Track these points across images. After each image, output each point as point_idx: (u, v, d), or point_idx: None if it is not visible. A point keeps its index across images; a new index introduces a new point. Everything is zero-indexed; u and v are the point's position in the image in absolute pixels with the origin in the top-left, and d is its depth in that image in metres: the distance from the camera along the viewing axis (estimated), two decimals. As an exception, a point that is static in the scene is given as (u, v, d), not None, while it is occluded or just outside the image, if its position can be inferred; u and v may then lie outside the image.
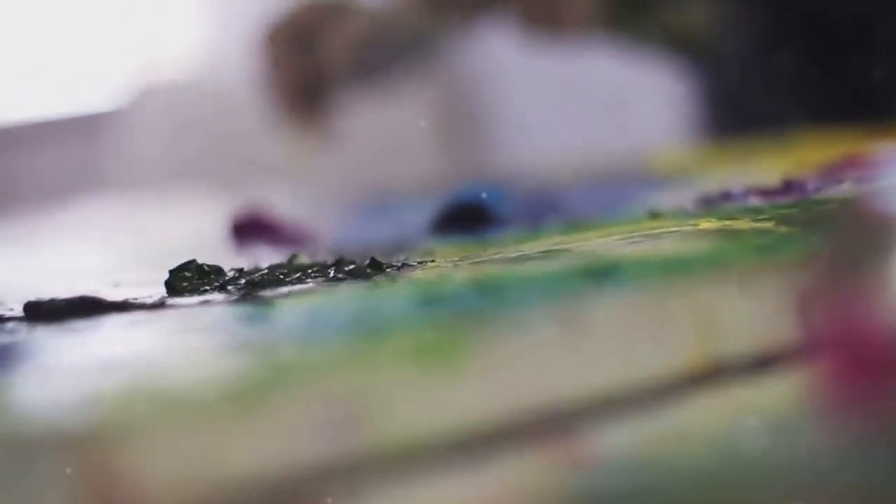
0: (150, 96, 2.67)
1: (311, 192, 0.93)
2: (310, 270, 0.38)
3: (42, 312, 0.33)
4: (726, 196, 0.46)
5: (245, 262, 0.43)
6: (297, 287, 0.34)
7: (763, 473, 0.24)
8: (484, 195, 0.52)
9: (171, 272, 0.37)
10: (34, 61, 2.93)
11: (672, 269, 0.29)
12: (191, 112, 2.66)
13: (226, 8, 2.77)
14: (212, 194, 1.11)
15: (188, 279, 0.37)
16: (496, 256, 0.35)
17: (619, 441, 0.24)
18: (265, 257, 0.46)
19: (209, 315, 0.30)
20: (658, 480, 0.24)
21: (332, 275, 0.37)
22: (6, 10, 2.89)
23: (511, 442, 0.24)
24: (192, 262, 0.38)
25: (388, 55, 0.89)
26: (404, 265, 0.37)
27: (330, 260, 0.40)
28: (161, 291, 0.37)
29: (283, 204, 0.83)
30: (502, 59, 0.98)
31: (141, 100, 2.66)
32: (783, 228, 0.35)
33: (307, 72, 0.84)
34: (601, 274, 0.28)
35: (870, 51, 0.88)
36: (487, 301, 0.27)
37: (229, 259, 0.41)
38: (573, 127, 2.21)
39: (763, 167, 0.59)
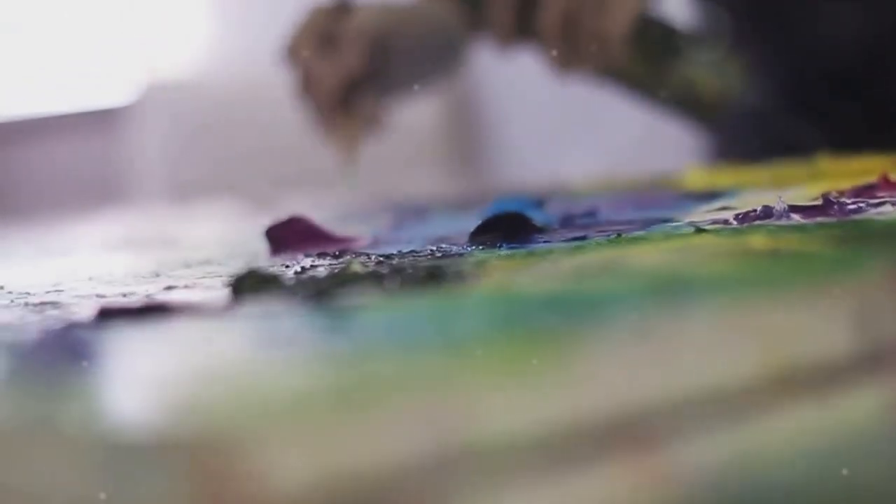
0: (159, 93, 2.68)
1: (328, 198, 0.93)
2: (366, 278, 0.39)
3: (115, 316, 0.33)
4: (767, 213, 0.47)
5: (297, 268, 0.44)
6: (364, 296, 0.34)
7: (843, 488, 0.25)
8: (525, 205, 0.52)
9: (235, 278, 0.38)
10: (47, 57, 2.93)
11: (741, 286, 0.29)
12: (197, 109, 2.67)
13: (236, 8, 2.78)
14: (228, 197, 1.12)
15: (251, 285, 0.37)
16: (556, 269, 0.35)
17: (698, 455, 0.25)
18: (310, 263, 0.46)
19: (286, 322, 0.31)
20: (739, 495, 0.25)
21: (391, 283, 0.37)
22: (17, 6, 2.89)
23: (594, 452, 0.24)
24: (253, 267, 0.39)
25: (408, 57, 0.89)
26: (463, 274, 0.37)
27: (383, 269, 0.41)
28: (218, 295, 0.38)
29: (304, 209, 0.84)
30: (524, 72, 0.99)
31: (149, 96, 2.67)
32: (835, 247, 0.36)
33: (334, 76, 0.84)
34: (675, 290, 0.29)
35: (890, 80, 0.89)
36: (567, 314, 0.27)
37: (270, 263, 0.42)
38: (595, 143, 2.22)
39: (792, 187, 0.59)
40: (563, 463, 0.24)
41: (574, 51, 0.76)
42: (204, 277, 0.46)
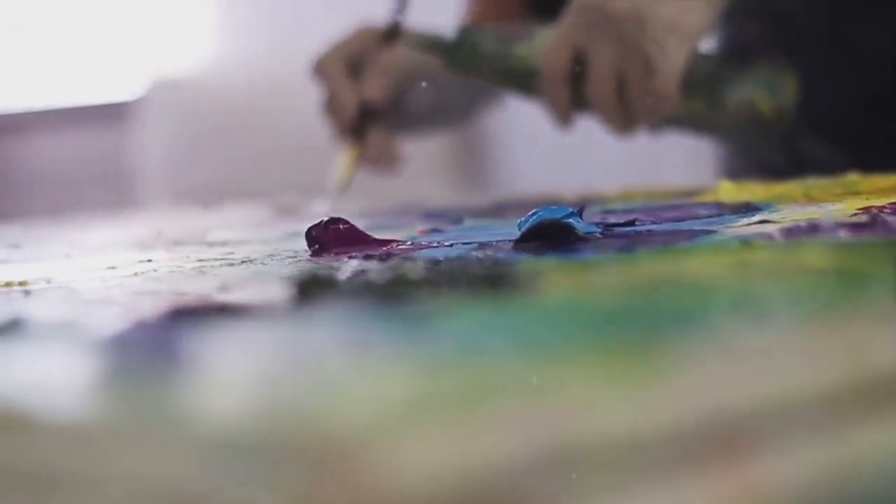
0: (165, 89, 2.68)
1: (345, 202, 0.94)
2: (424, 283, 0.39)
3: (189, 315, 0.34)
4: (814, 229, 0.47)
5: (350, 271, 0.44)
6: (435, 300, 0.34)
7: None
8: (568, 214, 0.53)
9: (299, 280, 0.38)
10: (57, 53, 2.94)
11: (818, 301, 0.30)
12: (202, 106, 2.67)
13: (242, 5, 2.79)
14: (247, 198, 1.12)
15: (315, 287, 0.38)
16: (621, 279, 0.36)
17: (790, 467, 0.25)
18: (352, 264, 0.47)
19: (365, 324, 0.31)
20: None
21: (452, 288, 0.38)
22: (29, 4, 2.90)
23: (685, 463, 0.25)
24: (314, 270, 0.39)
25: (433, 97, 0.90)
26: (522, 281, 0.38)
27: (437, 274, 0.41)
28: (282, 296, 0.38)
29: (324, 212, 0.85)
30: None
31: (155, 92, 2.67)
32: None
33: (353, 101, 0.85)
34: (750, 303, 0.29)
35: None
36: (649, 324, 0.28)
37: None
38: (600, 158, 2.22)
39: (826, 203, 0.60)
40: (655, 471, 0.24)
41: (629, 114, 0.78)
42: (253, 278, 0.47)
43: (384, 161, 0.89)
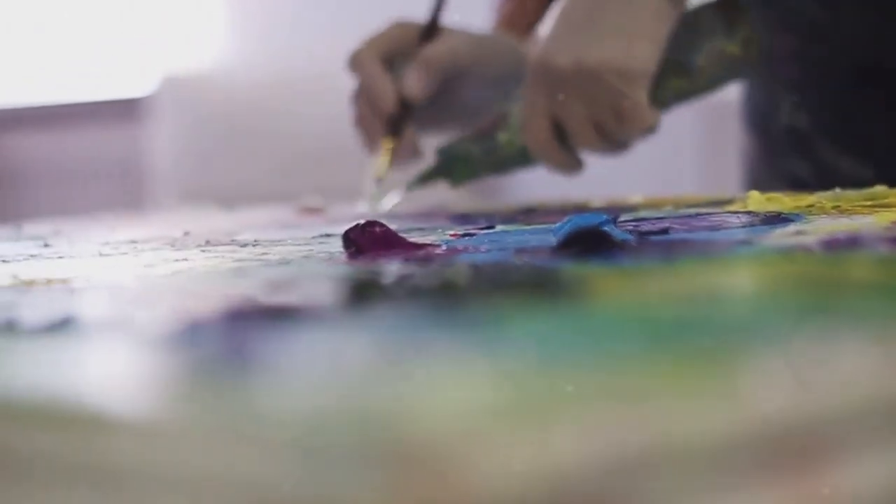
0: (176, 86, 2.69)
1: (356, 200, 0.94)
2: (471, 287, 0.40)
3: (248, 316, 0.34)
4: (854, 241, 0.48)
5: (395, 275, 0.45)
6: (492, 305, 0.35)
7: None
8: (604, 222, 0.53)
9: (353, 282, 0.38)
10: (71, 50, 2.95)
11: (879, 312, 0.30)
12: (213, 103, 2.68)
13: (253, 4, 2.80)
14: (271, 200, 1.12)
15: (370, 289, 0.38)
16: (671, 287, 0.36)
17: (864, 475, 0.26)
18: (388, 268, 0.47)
19: (426, 328, 0.32)
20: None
21: (501, 292, 0.38)
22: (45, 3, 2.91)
23: (758, 470, 0.25)
24: (367, 271, 0.39)
25: (469, 98, 0.91)
26: (571, 287, 0.38)
27: (482, 278, 0.42)
28: (335, 298, 0.38)
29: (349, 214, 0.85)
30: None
31: (167, 89, 2.68)
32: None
33: (389, 98, 0.87)
34: (806, 313, 0.29)
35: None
36: (713, 332, 0.28)
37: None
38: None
39: (858, 215, 0.60)
40: (727, 478, 0.25)
41: (619, 144, 0.82)
42: (300, 279, 0.47)
43: (408, 155, 0.90)
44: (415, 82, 0.87)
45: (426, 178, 0.88)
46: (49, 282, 0.52)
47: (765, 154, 0.99)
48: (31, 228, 0.88)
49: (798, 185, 0.93)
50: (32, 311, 0.40)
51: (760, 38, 0.83)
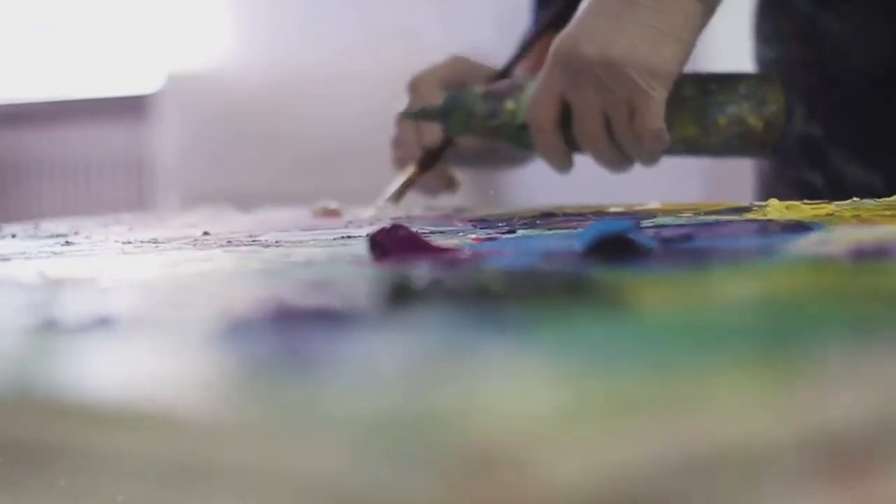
0: (182, 83, 2.69)
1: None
2: (507, 291, 0.40)
3: (292, 317, 0.34)
4: (882, 251, 0.48)
5: (426, 278, 0.45)
6: (540, 308, 0.35)
7: None
8: (629, 228, 0.53)
9: (393, 285, 0.39)
10: (81, 48, 2.96)
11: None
12: (218, 100, 2.68)
13: (259, 3, 2.81)
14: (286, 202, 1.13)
15: (408, 292, 0.38)
16: (728, 293, 0.37)
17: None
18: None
19: (497, 331, 0.32)
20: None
21: (536, 296, 0.38)
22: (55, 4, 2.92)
23: (822, 471, 0.26)
24: (402, 275, 0.40)
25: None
26: (607, 293, 0.38)
27: (513, 283, 0.42)
28: (372, 301, 0.39)
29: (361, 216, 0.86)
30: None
31: (172, 86, 2.68)
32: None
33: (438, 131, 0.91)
34: (856, 322, 0.30)
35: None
36: (775, 335, 0.29)
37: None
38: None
39: (879, 224, 0.60)
40: (787, 482, 0.25)
41: (621, 152, 0.82)
42: (334, 281, 0.47)
43: (441, 187, 0.94)
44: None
45: (425, 114, 0.88)
46: (80, 280, 0.52)
47: (776, 162, 1.00)
48: (49, 226, 0.88)
49: (810, 193, 0.93)
50: (73, 309, 0.41)
51: (784, 127, 0.82)
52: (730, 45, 1.31)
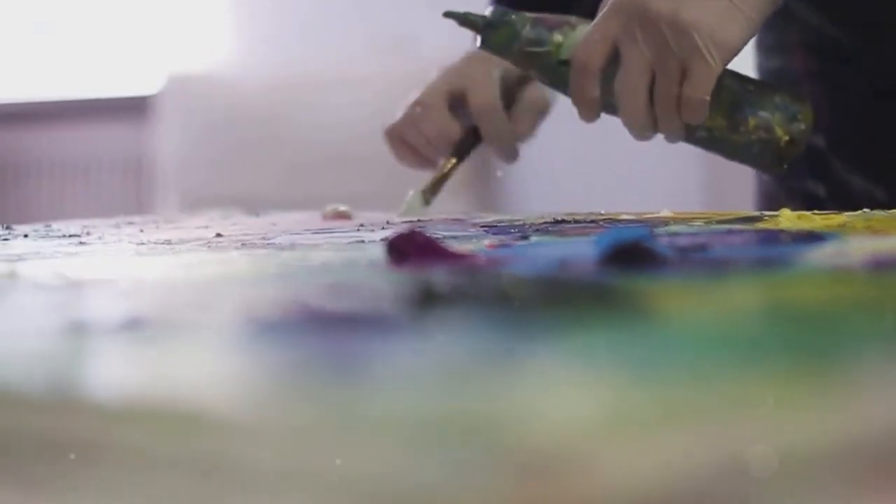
0: (182, 85, 2.70)
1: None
2: (529, 297, 0.40)
3: (327, 322, 0.35)
4: (900, 261, 0.48)
5: (449, 284, 0.45)
6: (567, 314, 0.36)
7: None
8: (645, 236, 0.54)
9: (422, 289, 0.39)
10: (82, 49, 2.96)
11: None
12: (218, 102, 2.69)
13: (258, 7, 2.81)
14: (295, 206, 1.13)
15: (436, 297, 0.39)
16: (760, 302, 0.37)
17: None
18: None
19: (544, 336, 0.32)
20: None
21: (563, 303, 0.39)
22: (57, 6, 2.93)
23: (866, 477, 0.26)
24: (427, 280, 0.40)
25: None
26: (635, 300, 0.39)
27: (535, 289, 0.42)
28: (400, 306, 0.39)
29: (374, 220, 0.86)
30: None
31: (172, 88, 2.68)
32: None
33: (456, 135, 0.93)
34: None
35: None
36: (815, 343, 0.29)
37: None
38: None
39: (891, 235, 0.61)
40: (832, 488, 0.25)
41: (653, 116, 0.80)
42: (354, 285, 0.48)
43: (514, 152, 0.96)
44: (527, 125, 0.96)
45: (469, 22, 0.85)
46: (104, 281, 0.52)
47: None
48: (60, 226, 0.88)
49: (813, 204, 0.94)
50: (104, 310, 0.41)
51: (802, 150, 0.82)
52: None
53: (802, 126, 0.81)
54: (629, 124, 0.82)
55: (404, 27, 2.50)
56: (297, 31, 2.73)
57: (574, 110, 0.83)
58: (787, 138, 0.81)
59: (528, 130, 0.97)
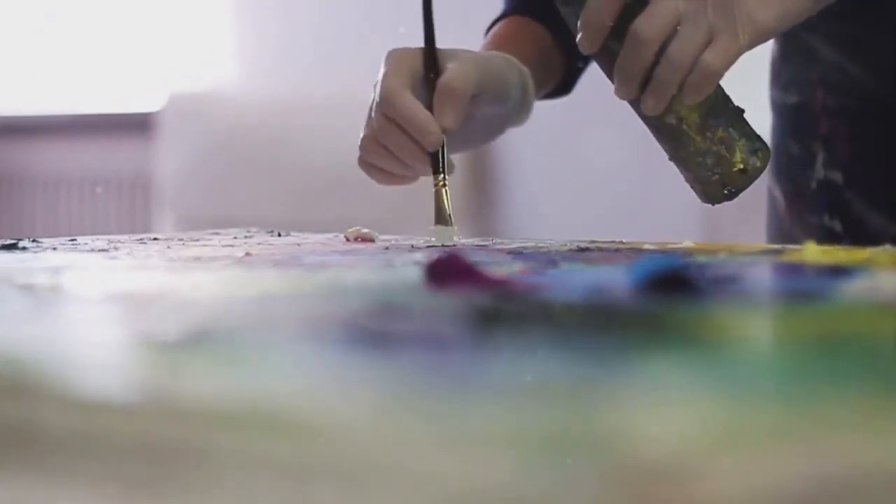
0: (184, 102, 2.71)
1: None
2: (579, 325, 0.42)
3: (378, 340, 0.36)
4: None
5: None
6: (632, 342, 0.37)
7: None
8: (685, 266, 0.55)
9: (483, 312, 0.40)
10: (86, 64, 2.97)
11: None
12: (219, 119, 2.70)
13: (260, 24, 2.82)
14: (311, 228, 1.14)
15: (499, 319, 0.40)
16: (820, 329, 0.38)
17: None
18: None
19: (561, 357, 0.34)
20: None
21: (614, 330, 0.40)
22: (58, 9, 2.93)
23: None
24: (490, 304, 0.41)
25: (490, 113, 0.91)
26: (681, 326, 0.40)
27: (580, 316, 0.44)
28: (453, 325, 0.40)
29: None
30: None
31: (174, 105, 2.70)
32: None
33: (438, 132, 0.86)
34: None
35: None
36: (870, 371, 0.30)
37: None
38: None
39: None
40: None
41: (646, 73, 0.78)
42: (406, 306, 0.49)
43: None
44: (451, 116, 0.87)
45: None
46: (161, 295, 0.53)
47: (795, 206, 1.01)
48: (86, 240, 0.89)
49: (828, 239, 0.95)
50: (177, 322, 0.42)
51: (742, 189, 0.82)
52: (743, 88, 1.33)
53: (758, 164, 0.82)
54: (622, 69, 0.79)
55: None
56: (299, 51, 2.74)
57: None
58: (741, 166, 0.81)
59: (452, 123, 0.87)
